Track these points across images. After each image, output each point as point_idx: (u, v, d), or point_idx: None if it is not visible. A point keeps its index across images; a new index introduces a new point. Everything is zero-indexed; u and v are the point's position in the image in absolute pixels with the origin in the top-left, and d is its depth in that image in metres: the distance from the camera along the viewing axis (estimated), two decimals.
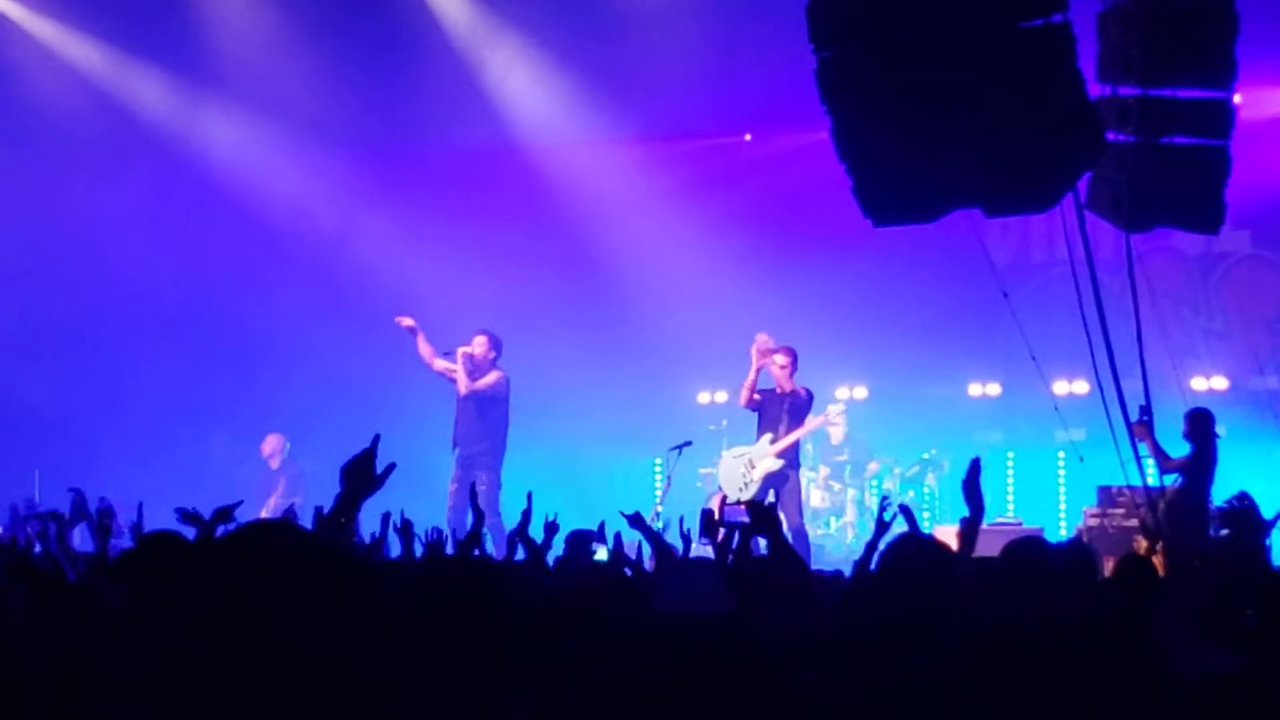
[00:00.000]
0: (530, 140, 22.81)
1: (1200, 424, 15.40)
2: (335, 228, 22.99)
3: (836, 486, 21.93)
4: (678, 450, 18.36)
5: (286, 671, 2.28)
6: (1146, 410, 14.20)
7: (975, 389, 23.37)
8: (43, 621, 6.07)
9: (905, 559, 6.05)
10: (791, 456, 18.19)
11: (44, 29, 21.89)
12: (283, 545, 2.42)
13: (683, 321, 22.50)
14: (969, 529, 7.57)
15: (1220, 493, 14.88)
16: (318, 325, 23.28)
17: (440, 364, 19.03)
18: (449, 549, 9.35)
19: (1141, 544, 12.98)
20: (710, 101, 21.76)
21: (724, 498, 14.60)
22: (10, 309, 22.18)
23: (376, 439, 5.66)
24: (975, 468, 7.71)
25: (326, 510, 5.68)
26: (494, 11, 22.12)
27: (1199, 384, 20.67)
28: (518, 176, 23.10)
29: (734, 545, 7.90)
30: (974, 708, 5.16)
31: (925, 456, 22.19)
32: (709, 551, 8.62)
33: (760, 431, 18.33)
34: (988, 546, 7.95)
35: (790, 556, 6.99)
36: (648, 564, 10.04)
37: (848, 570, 9.44)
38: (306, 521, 6.94)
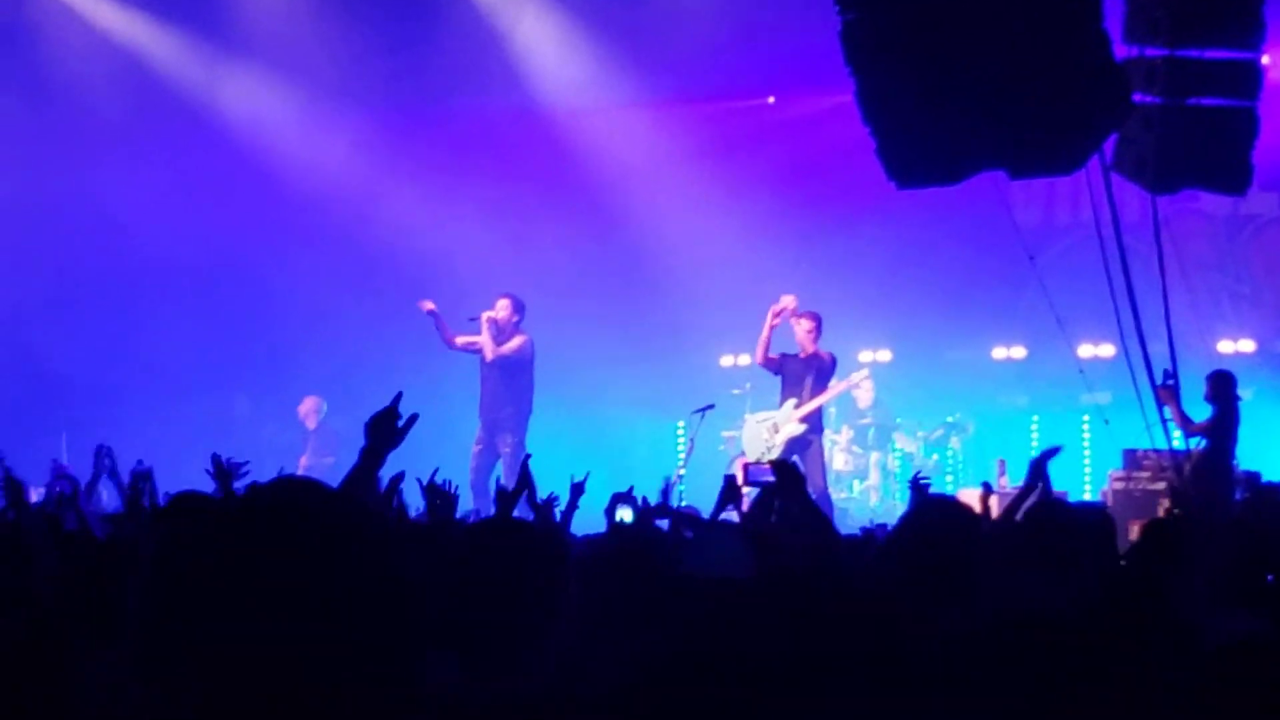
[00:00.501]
0: (554, 104, 22.77)
1: (1222, 386, 15.31)
2: (361, 191, 22.97)
3: (859, 450, 21.91)
4: (700, 414, 18.33)
5: (307, 628, 2.28)
6: (1171, 374, 14.23)
7: (999, 352, 23.32)
8: (74, 579, 6.10)
9: (928, 523, 6.03)
10: (815, 421, 18.20)
11: None
12: (305, 502, 2.41)
13: (706, 285, 22.46)
14: (1018, 499, 7.58)
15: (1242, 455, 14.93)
16: (341, 288, 23.33)
17: (462, 340, 19.01)
18: (466, 507, 9.37)
19: (1166, 505, 13.00)
20: (734, 64, 21.69)
21: (746, 462, 14.60)
22: (37, 272, 22.22)
23: (399, 396, 5.78)
24: (1049, 453, 7.71)
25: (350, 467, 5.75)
26: None
27: (1225, 346, 20.62)
28: (541, 140, 23.06)
29: (755, 506, 7.87)
30: (996, 672, 5.14)
31: (949, 420, 22.17)
32: (735, 518, 8.62)
33: (784, 396, 18.32)
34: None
35: (815, 517, 6.97)
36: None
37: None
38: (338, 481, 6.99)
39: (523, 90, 22.65)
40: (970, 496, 10.37)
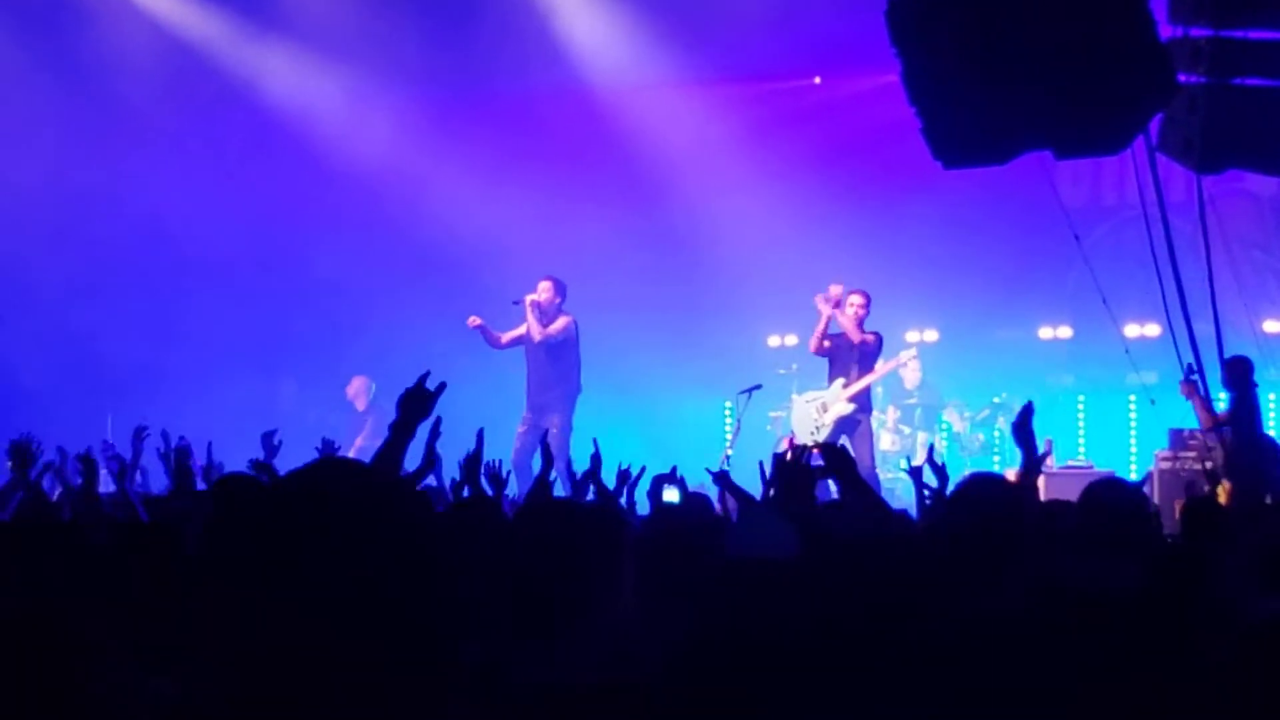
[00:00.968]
0: (599, 84, 22.77)
1: (1238, 372, 15.31)
2: (406, 173, 23.00)
3: (906, 430, 21.92)
4: (747, 394, 18.38)
5: (345, 610, 2.32)
6: (1193, 369, 14.46)
7: (1046, 332, 23.29)
8: (122, 561, 6.16)
9: (976, 499, 6.05)
10: (863, 401, 18.26)
11: None
12: (343, 483, 2.46)
13: (752, 265, 22.47)
14: (1027, 474, 7.55)
15: None
16: (387, 269, 23.42)
17: (508, 337, 19.13)
18: (512, 485, 9.43)
19: (1206, 487, 13.00)
20: (779, 44, 21.66)
21: (793, 440, 14.61)
22: (84, 256, 22.34)
23: (426, 375, 6.04)
24: (1026, 411, 7.63)
25: (381, 442, 5.89)
26: None
27: (1271, 326, 20.52)
28: (587, 121, 23.07)
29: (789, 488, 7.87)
30: (1039, 651, 5.17)
31: (996, 400, 22.15)
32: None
33: (831, 375, 18.37)
34: (1062, 490, 7.97)
35: (868, 497, 6.99)
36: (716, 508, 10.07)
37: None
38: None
39: (568, 70, 22.66)
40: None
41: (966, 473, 8.66)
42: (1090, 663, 4.92)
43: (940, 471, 8.65)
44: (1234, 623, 4.38)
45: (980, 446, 21.95)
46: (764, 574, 5.82)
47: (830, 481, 9.43)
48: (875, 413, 19.59)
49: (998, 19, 11.36)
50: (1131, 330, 18.52)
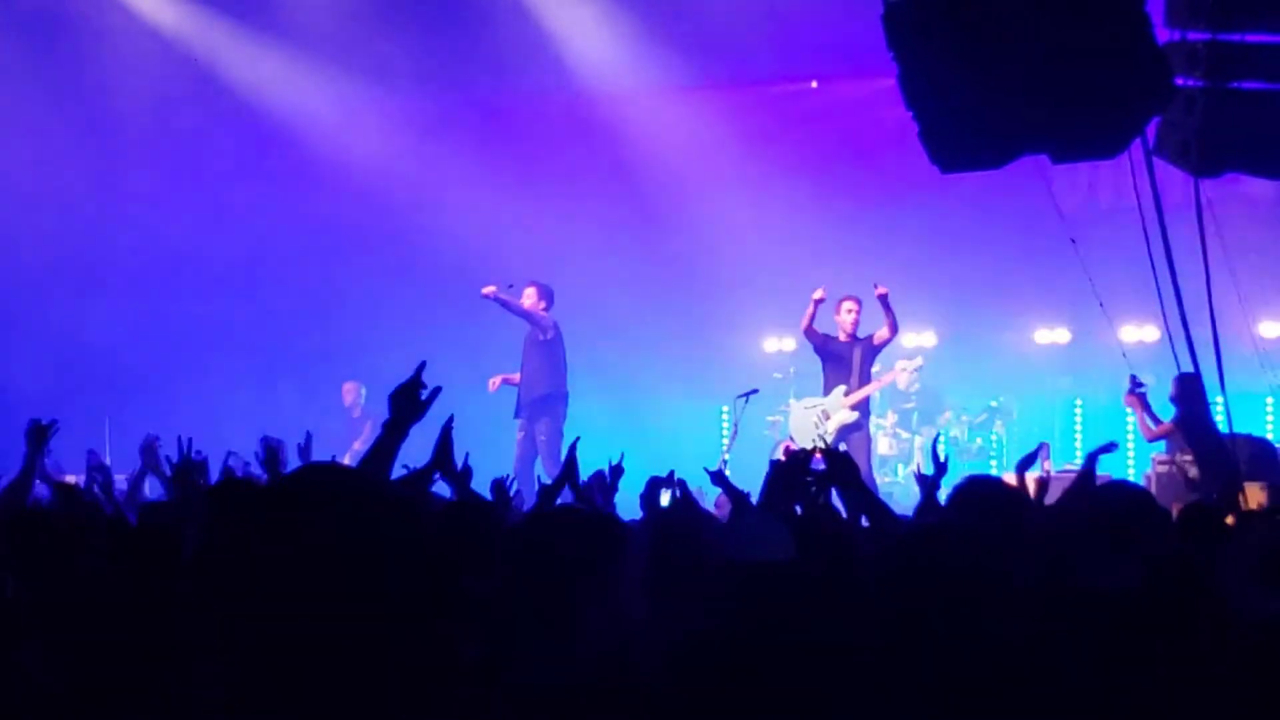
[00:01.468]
0: (595, 86, 22.76)
1: (1186, 387, 15.54)
2: (403, 178, 23.01)
3: (904, 434, 21.91)
4: (744, 398, 18.38)
5: (338, 612, 2.32)
6: (1137, 381, 15.48)
7: (1043, 335, 23.30)
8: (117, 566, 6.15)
9: (977, 500, 6.05)
10: (864, 408, 18.35)
11: None
12: (330, 489, 2.45)
13: (749, 269, 22.49)
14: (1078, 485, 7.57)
15: None
16: (384, 274, 23.43)
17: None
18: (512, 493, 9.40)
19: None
20: (776, 49, 21.64)
21: (789, 448, 14.61)
22: (84, 262, 22.32)
23: (422, 365, 5.76)
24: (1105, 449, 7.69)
25: (372, 445, 5.77)
26: None
27: (1268, 330, 20.51)
28: (583, 125, 23.09)
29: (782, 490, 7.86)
30: (1039, 653, 5.17)
31: (993, 404, 22.15)
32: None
33: (828, 381, 18.39)
34: (1059, 494, 7.95)
35: (874, 504, 6.98)
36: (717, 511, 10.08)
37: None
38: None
39: (564, 75, 22.65)
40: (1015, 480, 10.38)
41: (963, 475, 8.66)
42: (1092, 664, 4.91)
43: (940, 465, 8.63)
44: (1232, 624, 4.38)
45: (978, 450, 21.94)
46: (761, 576, 5.82)
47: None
48: (873, 416, 19.62)
49: (994, 23, 11.36)
50: (1128, 334, 18.53)
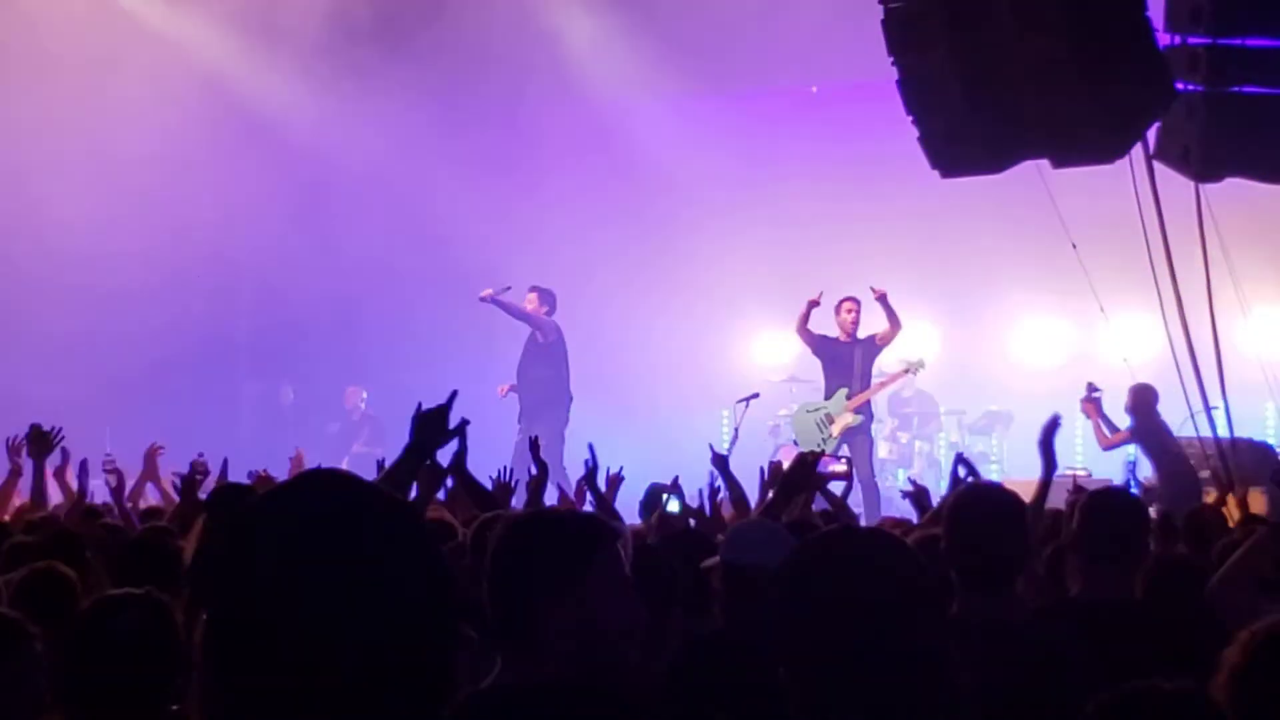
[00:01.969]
0: (597, 92, 22.76)
1: (1141, 398, 15.90)
2: (406, 184, 23.03)
3: (904, 438, 21.90)
4: (745, 402, 18.37)
5: (337, 618, 2.31)
6: (1094, 387, 15.98)
7: (1043, 340, 23.23)
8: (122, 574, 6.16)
9: (975, 509, 6.04)
10: (867, 410, 18.36)
11: None
12: (332, 495, 2.45)
13: (750, 273, 22.47)
14: (1042, 487, 7.58)
15: None
16: (385, 279, 23.43)
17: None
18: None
19: (1212, 495, 13.01)
20: (777, 53, 21.62)
21: (789, 451, 14.62)
22: (81, 262, 22.26)
23: (454, 395, 5.69)
24: (1052, 425, 7.72)
25: (391, 461, 5.75)
26: None
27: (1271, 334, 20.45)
28: (585, 129, 23.09)
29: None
30: (1038, 660, 5.17)
31: (993, 408, 22.13)
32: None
33: (829, 383, 18.40)
34: (1055, 498, 7.96)
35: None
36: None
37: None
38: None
39: (567, 81, 22.63)
40: (1015, 485, 10.41)
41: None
42: (1092, 670, 4.91)
43: (956, 483, 8.63)
44: (1228, 632, 4.37)
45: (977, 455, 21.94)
46: (760, 580, 5.82)
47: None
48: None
49: (995, 28, 11.37)
50: (1129, 338, 18.48)
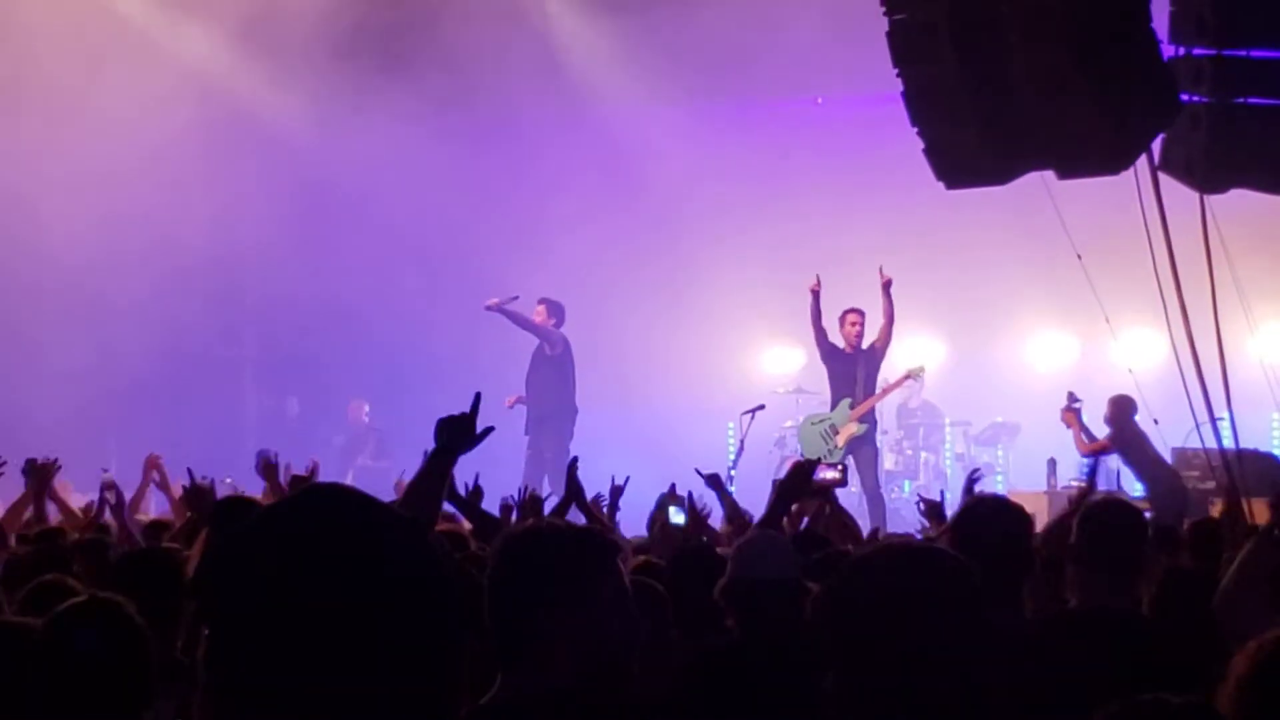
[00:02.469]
0: (604, 104, 22.77)
1: (1119, 408, 16.17)
2: (409, 191, 23.03)
3: (909, 450, 21.88)
4: (750, 414, 18.37)
5: (337, 633, 2.31)
6: (1074, 396, 16.14)
7: (1048, 351, 23.22)
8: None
9: (982, 522, 6.04)
10: (872, 420, 18.39)
11: None
12: (334, 510, 2.44)
13: (756, 284, 22.46)
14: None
15: None
16: (392, 288, 23.44)
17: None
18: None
19: (1219, 507, 13.00)
20: (782, 64, 21.61)
21: (795, 461, 14.60)
22: (82, 274, 22.25)
23: (478, 397, 5.68)
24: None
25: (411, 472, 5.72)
26: None
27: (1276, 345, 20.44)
28: (592, 140, 23.08)
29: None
30: (1046, 672, 5.16)
31: (999, 420, 22.13)
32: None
33: (835, 394, 18.43)
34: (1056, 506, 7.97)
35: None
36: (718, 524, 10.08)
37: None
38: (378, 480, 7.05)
39: (573, 93, 22.65)
40: (1020, 497, 10.39)
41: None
42: (1097, 680, 4.91)
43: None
44: (1233, 642, 4.37)
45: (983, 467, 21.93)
46: (769, 592, 5.83)
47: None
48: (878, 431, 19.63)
49: (999, 40, 11.37)
50: (1134, 349, 18.47)
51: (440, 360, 22.41)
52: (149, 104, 21.26)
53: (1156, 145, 12.10)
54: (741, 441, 18.07)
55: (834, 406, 18.51)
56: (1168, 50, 11.67)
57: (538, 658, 3.87)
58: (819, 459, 13.75)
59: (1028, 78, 11.38)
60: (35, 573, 6.33)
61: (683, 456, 19.80)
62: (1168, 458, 17.33)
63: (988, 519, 5.92)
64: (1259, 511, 12.39)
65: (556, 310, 19.37)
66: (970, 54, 11.56)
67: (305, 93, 22.46)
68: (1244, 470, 13.79)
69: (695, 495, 9.97)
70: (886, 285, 18.15)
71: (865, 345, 18.45)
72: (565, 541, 4.05)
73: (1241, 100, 12.15)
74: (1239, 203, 12.81)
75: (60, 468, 10.36)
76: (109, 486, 10.61)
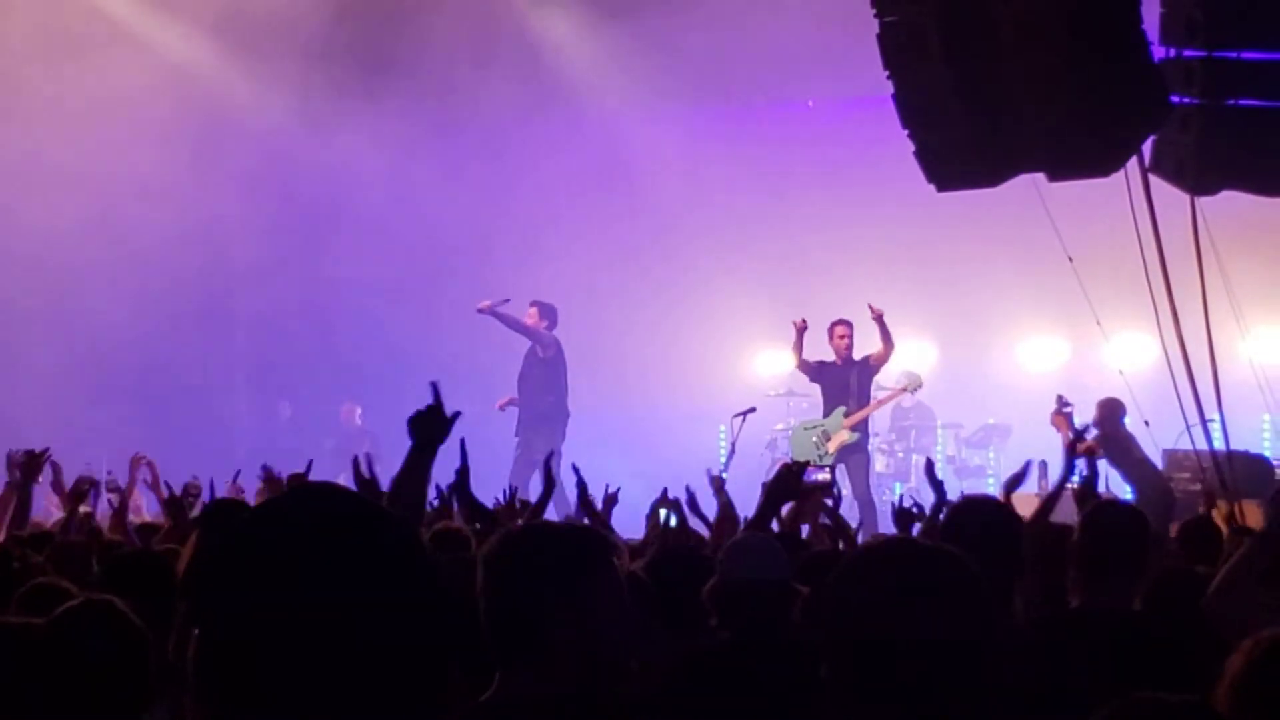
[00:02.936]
0: (594, 107, 22.77)
1: (1108, 411, 16.20)
2: (401, 195, 23.04)
3: (900, 453, 21.88)
4: (742, 417, 18.37)
5: (326, 631, 2.31)
6: (1064, 400, 15.89)
7: (1040, 354, 23.22)
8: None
9: (970, 521, 6.04)
10: (864, 428, 18.40)
11: None
12: (325, 509, 2.44)
13: (746, 287, 22.46)
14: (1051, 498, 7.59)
15: None
16: (383, 291, 23.42)
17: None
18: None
19: (1221, 509, 13.02)
20: (772, 67, 21.62)
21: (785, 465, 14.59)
22: (73, 279, 22.23)
23: (436, 386, 5.66)
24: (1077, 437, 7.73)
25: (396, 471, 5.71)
26: None
27: (1267, 348, 20.44)
28: (583, 144, 23.07)
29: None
30: (1036, 671, 5.16)
31: (990, 422, 22.12)
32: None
33: (828, 403, 18.45)
34: (1060, 511, 7.97)
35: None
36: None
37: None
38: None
39: (564, 96, 22.64)
40: (1014, 500, 10.39)
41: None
42: (1091, 680, 4.91)
43: (938, 487, 8.63)
44: (1225, 645, 4.37)
45: (974, 469, 21.93)
46: (759, 592, 5.82)
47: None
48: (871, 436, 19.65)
49: (990, 42, 11.38)
50: (1126, 352, 18.48)
51: (432, 363, 22.36)
52: (135, 106, 21.24)
53: (1147, 147, 12.10)
54: (733, 444, 18.06)
55: (827, 413, 18.53)
56: (1158, 52, 11.67)
57: (536, 657, 3.87)
58: (808, 462, 13.78)
59: (1018, 80, 11.38)
60: (26, 575, 6.32)
61: (674, 459, 19.87)
62: (1159, 459, 17.35)
63: (978, 521, 5.92)
64: (1249, 513, 12.43)
65: (549, 313, 19.37)
66: (961, 56, 11.56)
67: (295, 96, 22.46)
68: (1234, 472, 13.82)
69: (695, 496, 9.96)
70: (879, 319, 18.19)
71: (858, 356, 18.49)
72: (563, 541, 4.05)
73: (1232, 102, 12.14)
74: (1229, 205, 12.81)
75: (49, 458, 10.31)
76: (115, 490, 10.61)
